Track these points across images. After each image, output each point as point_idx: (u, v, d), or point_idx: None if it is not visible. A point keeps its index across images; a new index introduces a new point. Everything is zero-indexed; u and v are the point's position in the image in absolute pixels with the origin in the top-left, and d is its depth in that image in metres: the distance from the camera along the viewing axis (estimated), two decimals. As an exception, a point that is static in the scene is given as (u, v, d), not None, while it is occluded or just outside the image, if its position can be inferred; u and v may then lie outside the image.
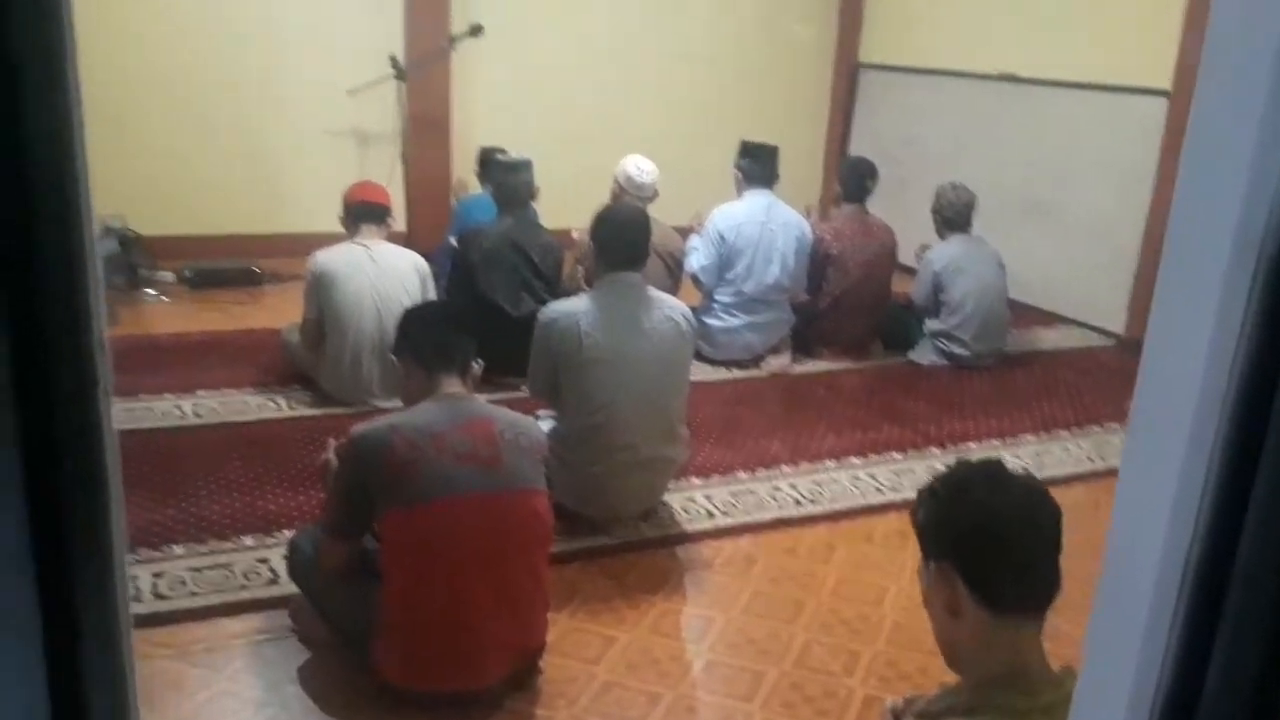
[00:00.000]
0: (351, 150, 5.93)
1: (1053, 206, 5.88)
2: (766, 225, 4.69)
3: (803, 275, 4.83)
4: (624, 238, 3.12)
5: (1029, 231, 5.89)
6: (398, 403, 2.69)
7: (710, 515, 3.33)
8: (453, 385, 2.39)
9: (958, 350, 4.89)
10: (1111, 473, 3.73)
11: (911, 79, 6.84)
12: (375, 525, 2.30)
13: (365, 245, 3.92)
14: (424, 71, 5.68)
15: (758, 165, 4.78)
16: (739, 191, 4.82)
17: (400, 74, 5.47)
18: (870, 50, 7.21)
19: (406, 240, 4.85)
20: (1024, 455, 3.99)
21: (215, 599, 2.68)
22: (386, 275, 3.87)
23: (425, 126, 5.83)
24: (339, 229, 4.06)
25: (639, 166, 4.53)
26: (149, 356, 4.27)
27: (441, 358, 2.40)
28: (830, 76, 7.34)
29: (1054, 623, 1.43)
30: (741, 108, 6.80)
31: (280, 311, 4.75)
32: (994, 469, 1.46)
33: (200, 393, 3.97)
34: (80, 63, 0.58)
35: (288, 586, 2.64)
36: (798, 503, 3.47)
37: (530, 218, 4.36)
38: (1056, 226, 5.85)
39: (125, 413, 3.71)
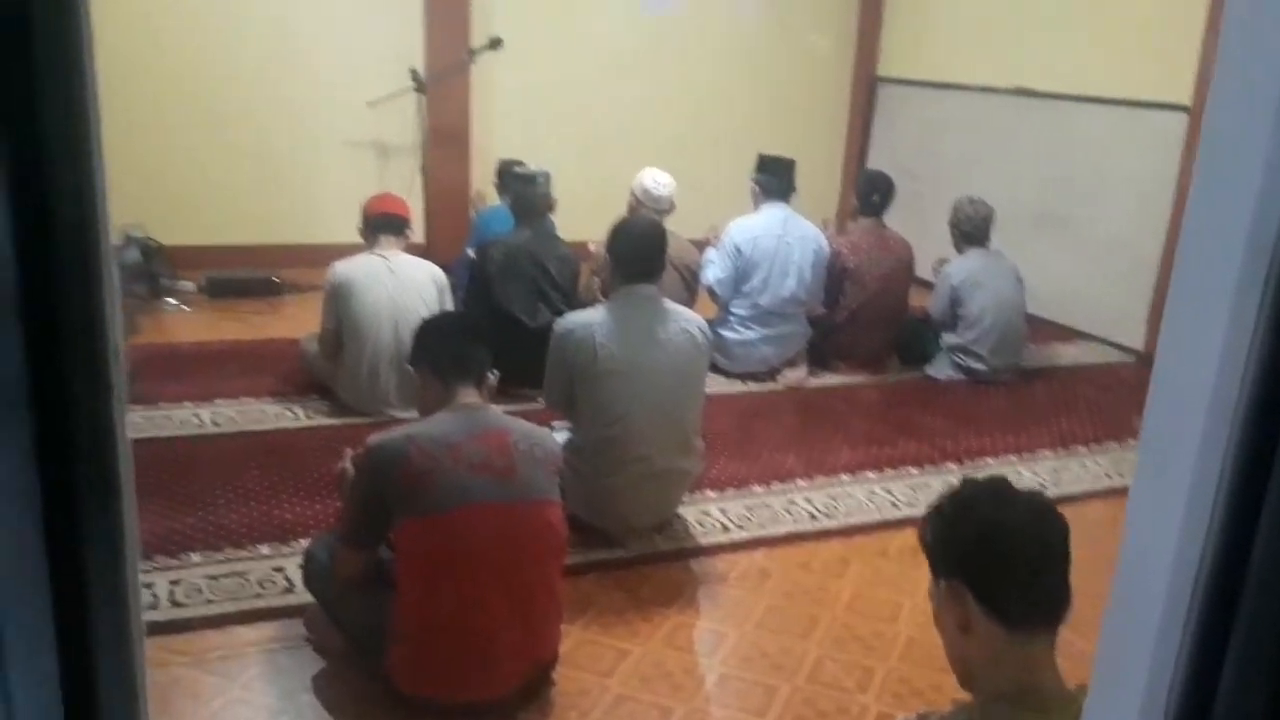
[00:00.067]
0: (371, 162, 5.97)
1: (1072, 221, 5.85)
2: (783, 238, 4.68)
3: (819, 289, 4.82)
4: (640, 250, 3.13)
5: (1047, 246, 5.86)
6: (414, 413, 2.71)
7: (725, 529, 3.32)
8: (469, 396, 2.40)
9: (975, 365, 4.86)
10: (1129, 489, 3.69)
11: (930, 93, 6.83)
12: (390, 535, 2.31)
13: (384, 256, 3.94)
14: (444, 84, 5.73)
15: (775, 178, 4.78)
16: (756, 204, 4.82)
17: (420, 86, 5.51)
18: (889, 64, 7.20)
19: (425, 252, 4.88)
20: (1041, 471, 3.96)
21: (231, 607, 2.69)
22: (404, 286, 3.89)
23: (444, 139, 5.88)
24: (358, 240, 4.08)
25: (656, 179, 4.54)
26: (169, 365, 4.31)
27: (458, 368, 2.41)
28: (848, 90, 7.33)
29: (1070, 640, 1.42)
30: (759, 121, 6.81)
31: (299, 321, 4.78)
32: (999, 485, 1.48)
33: (219, 401, 4.00)
34: (103, 74, 0.59)
35: (303, 595, 2.65)
36: (813, 517, 3.45)
37: (547, 229, 4.37)
38: (1075, 241, 5.82)
39: (145, 420, 3.74)
